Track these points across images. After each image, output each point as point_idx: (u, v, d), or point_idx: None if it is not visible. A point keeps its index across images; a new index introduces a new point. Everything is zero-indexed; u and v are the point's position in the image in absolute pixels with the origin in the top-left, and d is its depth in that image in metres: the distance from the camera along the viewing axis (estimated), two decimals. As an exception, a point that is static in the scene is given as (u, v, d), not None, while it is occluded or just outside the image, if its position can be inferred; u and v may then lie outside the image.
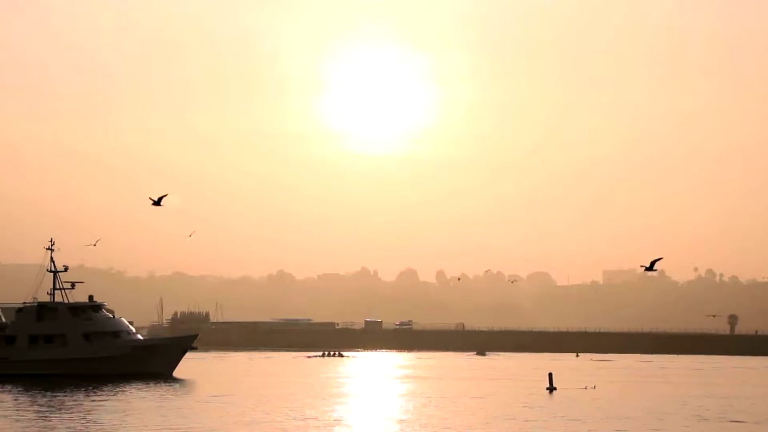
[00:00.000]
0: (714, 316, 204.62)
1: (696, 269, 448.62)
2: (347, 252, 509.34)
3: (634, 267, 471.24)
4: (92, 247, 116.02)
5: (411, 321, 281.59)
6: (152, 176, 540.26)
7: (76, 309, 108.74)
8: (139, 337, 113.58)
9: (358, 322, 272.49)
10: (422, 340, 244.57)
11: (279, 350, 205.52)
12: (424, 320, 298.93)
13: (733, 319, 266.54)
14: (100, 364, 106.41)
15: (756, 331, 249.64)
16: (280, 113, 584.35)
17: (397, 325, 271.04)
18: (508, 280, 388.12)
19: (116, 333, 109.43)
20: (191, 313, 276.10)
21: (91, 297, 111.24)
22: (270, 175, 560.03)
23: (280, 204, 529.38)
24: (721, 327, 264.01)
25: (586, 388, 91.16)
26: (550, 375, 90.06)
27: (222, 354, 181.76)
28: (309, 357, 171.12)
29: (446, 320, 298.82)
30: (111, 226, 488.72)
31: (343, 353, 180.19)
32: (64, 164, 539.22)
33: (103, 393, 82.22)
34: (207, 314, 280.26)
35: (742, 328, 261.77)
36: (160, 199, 57.49)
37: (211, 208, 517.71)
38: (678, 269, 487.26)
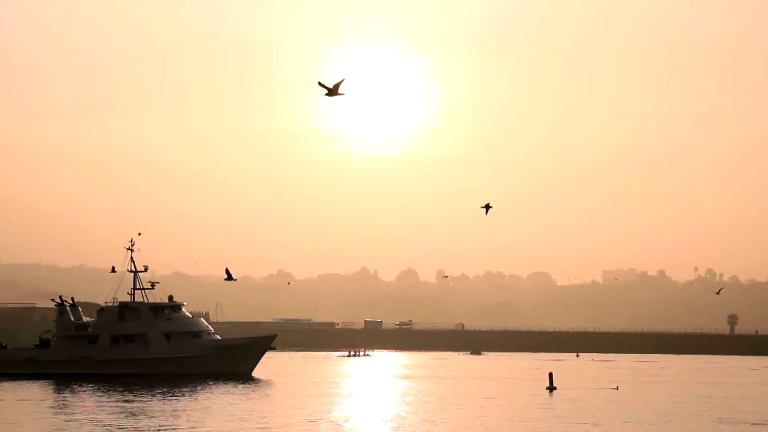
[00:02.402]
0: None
1: (696, 269, 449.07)
2: (347, 252, 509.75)
3: (634, 267, 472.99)
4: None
5: (411, 321, 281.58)
6: (152, 176, 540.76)
7: (156, 309, 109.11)
8: (218, 337, 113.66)
9: (358, 322, 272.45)
10: (422, 340, 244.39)
11: (279, 350, 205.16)
12: (424, 320, 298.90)
13: (733, 319, 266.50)
14: (180, 364, 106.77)
15: (756, 331, 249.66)
16: (280, 113, 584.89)
17: (397, 325, 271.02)
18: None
19: (196, 333, 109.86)
20: (191, 313, 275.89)
21: (170, 297, 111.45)
22: (270, 175, 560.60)
23: (280, 204, 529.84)
24: (721, 327, 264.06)
25: (617, 388, 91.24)
26: (551, 375, 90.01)
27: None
28: (341, 356, 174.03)
29: (446, 320, 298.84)
30: (111, 226, 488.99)
31: (369, 352, 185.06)
32: (64, 164, 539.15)
33: (195, 393, 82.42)
34: (207, 314, 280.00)
35: (742, 328, 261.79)
36: (336, 86, 52.38)
37: (211, 208, 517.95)
38: (678, 269, 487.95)
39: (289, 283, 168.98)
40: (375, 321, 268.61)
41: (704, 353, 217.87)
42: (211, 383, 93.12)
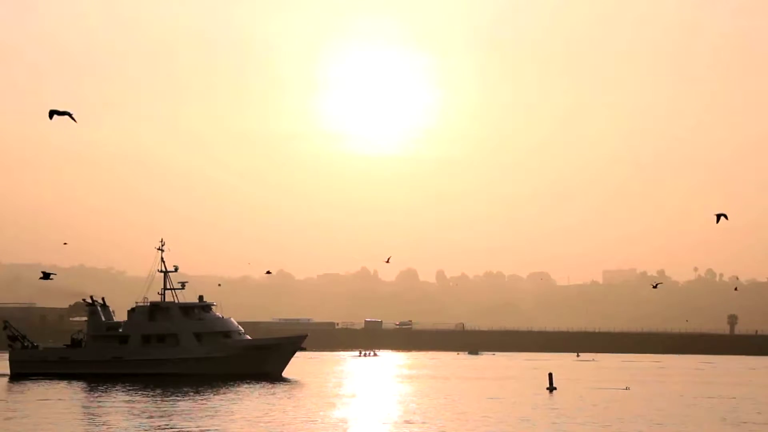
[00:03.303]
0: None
1: (696, 269, 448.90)
2: (347, 252, 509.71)
3: (634, 267, 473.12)
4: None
5: (411, 321, 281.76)
6: (151, 176, 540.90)
7: (187, 309, 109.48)
8: (248, 337, 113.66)
9: (358, 322, 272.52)
10: (422, 340, 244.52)
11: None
12: (424, 320, 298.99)
13: (733, 319, 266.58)
14: (211, 364, 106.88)
15: (756, 331, 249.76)
16: (280, 113, 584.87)
17: (397, 325, 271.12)
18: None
19: (227, 333, 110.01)
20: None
21: (201, 297, 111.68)
22: (270, 175, 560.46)
23: (280, 204, 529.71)
24: (721, 327, 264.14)
25: (627, 388, 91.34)
26: (551, 375, 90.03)
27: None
28: (355, 357, 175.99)
29: (446, 320, 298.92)
30: (110, 226, 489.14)
31: (377, 352, 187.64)
32: (64, 164, 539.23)
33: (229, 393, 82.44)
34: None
35: (742, 328, 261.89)
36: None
37: (210, 208, 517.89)
38: (678, 269, 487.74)
39: (268, 272, 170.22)
40: (375, 321, 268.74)
41: (704, 353, 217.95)
42: (243, 383, 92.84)
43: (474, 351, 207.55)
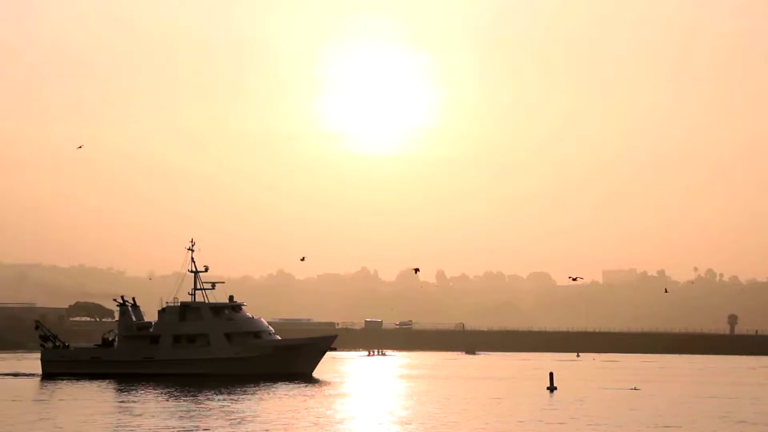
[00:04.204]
0: None
1: (696, 269, 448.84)
2: (347, 252, 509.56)
3: (634, 267, 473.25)
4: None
5: (411, 321, 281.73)
6: (151, 177, 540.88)
7: (217, 309, 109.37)
8: (278, 337, 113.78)
9: (358, 322, 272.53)
10: (422, 340, 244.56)
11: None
12: (424, 320, 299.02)
13: (733, 319, 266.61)
14: (241, 364, 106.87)
15: (756, 331, 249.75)
16: (280, 113, 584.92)
17: (397, 325, 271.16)
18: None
19: (257, 333, 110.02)
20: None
21: (231, 297, 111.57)
22: (270, 175, 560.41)
23: (280, 204, 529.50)
24: (721, 327, 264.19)
25: (635, 389, 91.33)
26: (551, 375, 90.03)
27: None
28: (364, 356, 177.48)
29: (446, 320, 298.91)
30: (111, 226, 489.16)
31: (386, 352, 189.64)
32: (64, 164, 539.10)
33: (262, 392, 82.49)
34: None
35: (742, 328, 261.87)
36: None
37: (210, 208, 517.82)
38: (678, 269, 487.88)
39: (303, 258, 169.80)
40: (375, 321, 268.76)
41: (704, 353, 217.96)
42: (273, 383, 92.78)
43: (471, 351, 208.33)
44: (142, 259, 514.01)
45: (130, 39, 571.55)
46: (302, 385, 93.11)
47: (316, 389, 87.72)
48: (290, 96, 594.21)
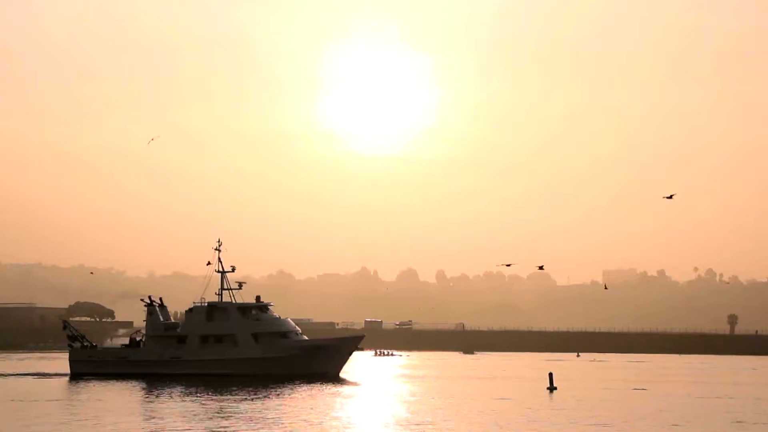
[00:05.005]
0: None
1: (696, 269, 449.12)
2: (347, 252, 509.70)
3: (634, 267, 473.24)
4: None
5: (411, 321, 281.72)
6: (151, 177, 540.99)
7: (244, 309, 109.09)
8: (305, 337, 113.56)
9: (358, 322, 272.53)
10: (422, 340, 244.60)
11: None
12: (424, 320, 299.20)
13: (733, 319, 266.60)
14: (268, 364, 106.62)
15: (756, 331, 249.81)
16: (280, 113, 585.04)
17: (397, 325, 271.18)
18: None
19: (284, 333, 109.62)
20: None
21: (258, 297, 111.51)
22: (270, 175, 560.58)
23: (280, 204, 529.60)
24: (721, 327, 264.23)
25: (642, 389, 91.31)
26: (551, 375, 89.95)
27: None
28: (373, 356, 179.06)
29: (446, 320, 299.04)
30: (111, 226, 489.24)
31: (393, 352, 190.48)
32: (64, 165, 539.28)
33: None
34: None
35: (742, 328, 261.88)
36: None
37: (210, 208, 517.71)
38: (678, 269, 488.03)
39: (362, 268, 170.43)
40: (375, 321, 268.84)
41: (704, 353, 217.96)
42: (301, 384, 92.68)
43: (469, 350, 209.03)
44: (142, 259, 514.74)
45: (130, 39, 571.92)
46: (328, 385, 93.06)
47: (343, 389, 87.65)
48: (290, 96, 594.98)
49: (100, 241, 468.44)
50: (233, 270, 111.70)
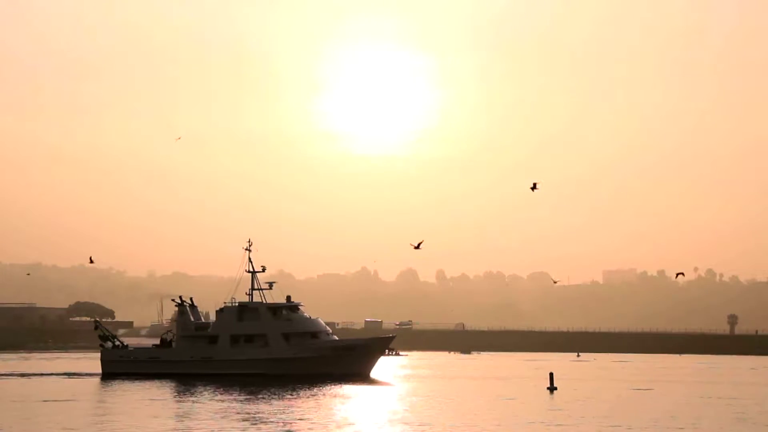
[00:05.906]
0: None
1: (696, 269, 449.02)
2: (347, 252, 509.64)
3: (634, 267, 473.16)
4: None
5: (411, 321, 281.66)
6: (151, 177, 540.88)
7: (275, 309, 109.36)
8: (335, 337, 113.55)
9: (358, 322, 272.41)
10: (422, 340, 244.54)
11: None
12: (424, 320, 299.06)
13: (733, 319, 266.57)
14: (299, 364, 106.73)
15: (756, 331, 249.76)
16: (280, 113, 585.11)
17: (397, 325, 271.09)
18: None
19: (314, 333, 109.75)
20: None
21: (288, 297, 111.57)
22: (270, 175, 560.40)
23: (279, 204, 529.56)
24: (721, 327, 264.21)
25: (648, 389, 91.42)
26: (551, 375, 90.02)
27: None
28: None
29: (446, 320, 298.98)
30: (111, 227, 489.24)
31: (400, 352, 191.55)
32: (64, 165, 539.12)
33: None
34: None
35: (742, 328, 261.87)
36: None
37: (210, 208, 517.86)
38: (678, 269, 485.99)
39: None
40: (375, 321, 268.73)
41: (704, 353, 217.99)
42: (332, 384, 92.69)
43: (467, 351, 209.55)
44: (142, 259, 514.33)
45: (130, 39, 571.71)
46: (360, 385, 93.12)
47: (376, 389, 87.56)
48: (290, 96, 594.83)
49: (100, 241, 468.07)
50: (263, 270, 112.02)
